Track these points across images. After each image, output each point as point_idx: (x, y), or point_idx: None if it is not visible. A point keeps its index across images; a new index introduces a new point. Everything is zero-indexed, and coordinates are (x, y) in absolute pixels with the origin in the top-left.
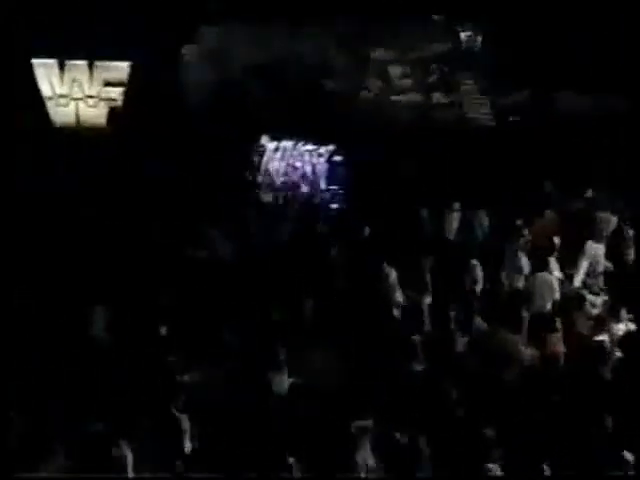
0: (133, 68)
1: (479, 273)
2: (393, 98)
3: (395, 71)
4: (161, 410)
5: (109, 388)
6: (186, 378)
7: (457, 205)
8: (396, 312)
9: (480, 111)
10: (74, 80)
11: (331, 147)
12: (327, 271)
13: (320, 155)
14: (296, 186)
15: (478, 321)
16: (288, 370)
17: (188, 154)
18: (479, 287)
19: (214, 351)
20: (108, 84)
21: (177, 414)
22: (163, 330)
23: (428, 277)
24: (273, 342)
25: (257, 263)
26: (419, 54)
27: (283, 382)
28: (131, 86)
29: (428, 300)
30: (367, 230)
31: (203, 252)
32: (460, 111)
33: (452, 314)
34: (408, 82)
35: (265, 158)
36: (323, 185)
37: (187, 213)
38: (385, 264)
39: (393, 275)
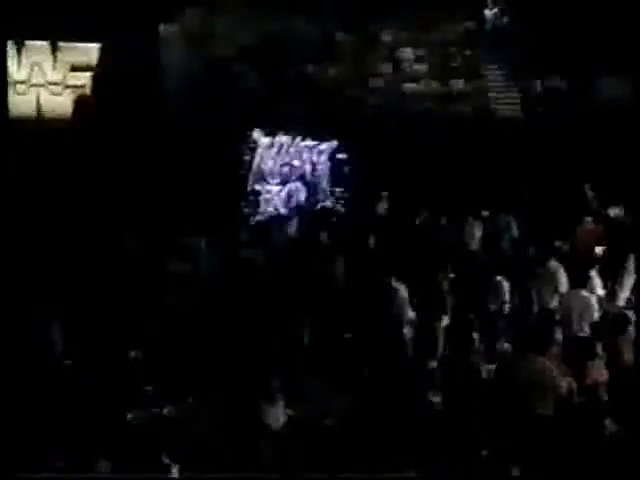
0: (103, 51)
1: (506, 290)
2: (405, 86)
3: (407, 55)
4: (136, 448)
5: (73, 421)
6: (165, 412)
7: (480, 210)
8: (408, 335)
9: (507, 101)
10: (34, 64)
11: (333, 143)
12: (328, 288)
13: (320, 152)
14: (294, 189)
15: (505, 346)
16: (284, 402)
17: (168, 151)
18: (506, 306)
19: (198, 380)
20: (74, 69)
21: (158, 454)
22: (138, 355)
23: (446, 294)
24: (267, 370)
25: (248, 279)
26: (435, 35)
27: (278, 416)
28: (101, 71)
29: (445, 321)
30: (373, 240)
31: (185, 266)
32: (484, 101)
33: (474, 338)
34: (422, 67)
35: (257, 156)
36: (324, 187)
37: (167, 221)
38: (395, 279)
39: (404, 292)
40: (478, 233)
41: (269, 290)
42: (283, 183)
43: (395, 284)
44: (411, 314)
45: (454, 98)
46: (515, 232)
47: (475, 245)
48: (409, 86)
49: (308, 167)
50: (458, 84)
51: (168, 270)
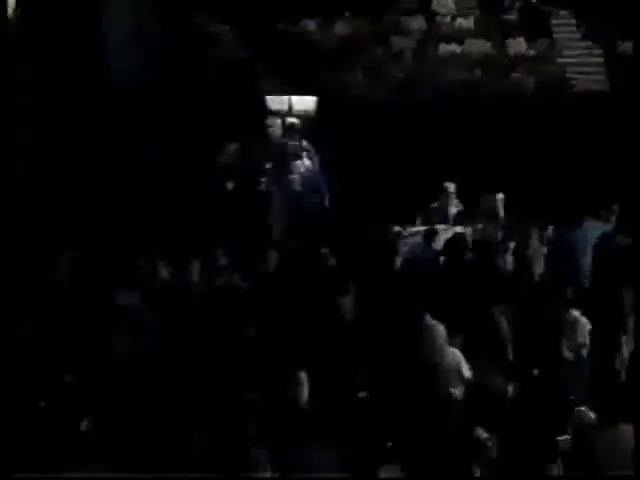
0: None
1: (584, 331)
2: (442, 49)
3: (445, 5)
4: None
5: None
6: None
7: (547, 219)
8: (451, 394)
9: (586, 68)
10: None
11: (342, 129)
12: (336, 329)
13: (326, 143)
14: (288, 191)
15: (582, 410)
16: None
17: (111, 135)
18: (584, 354)
19: (158, 453)
20: None
21: None
22: (77, 420)
23: (502, 338)
24: (249, 439)
25: (227, 316)
26: None
27: None
28: (15, 19)
29: (501, 375)
30: (400, 261)
31: (138, 298)
32: (553, 69)
33: (542, 398)
34: (467, 23)
35: (237, 147)
36: (330, 188)
37: (112, 234)
38: (428, 316)
39: (441, 334)
40: (544, 251)
41: (254, 331)
42: (274, 182)
43: (430, 323)
44: (453, 366)
45: (511, 65)
46: (595, 249)
47: (541, 267)
48: (448, 48)
49: (308, 163)
50: (517, 45)
51: (115, 304)
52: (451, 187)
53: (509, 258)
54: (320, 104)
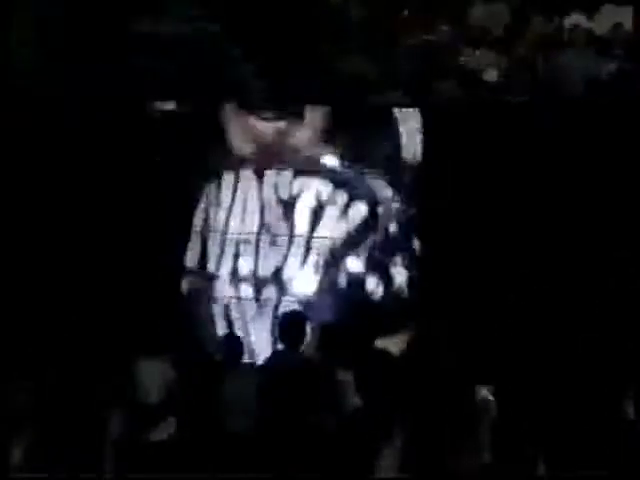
0: None
1: None
2: (559, 22)
3: None
4: None
5: None
6: None
7: None
8: None
9: None
10: None
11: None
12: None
13: (338, 165)
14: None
15: None
16: None
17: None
18: None
19: None
20: None
21: None
22: None
23: None
24: None
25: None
26: None
27: None
28: None
29: None
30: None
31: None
32: None
33: None
34: None
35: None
36: (343, 232)
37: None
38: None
39: None
40: None
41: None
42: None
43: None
44: None
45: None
46: None
47: None
48: (569, 21)
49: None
50: None
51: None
52: None
53: None
54: (345, 116)
